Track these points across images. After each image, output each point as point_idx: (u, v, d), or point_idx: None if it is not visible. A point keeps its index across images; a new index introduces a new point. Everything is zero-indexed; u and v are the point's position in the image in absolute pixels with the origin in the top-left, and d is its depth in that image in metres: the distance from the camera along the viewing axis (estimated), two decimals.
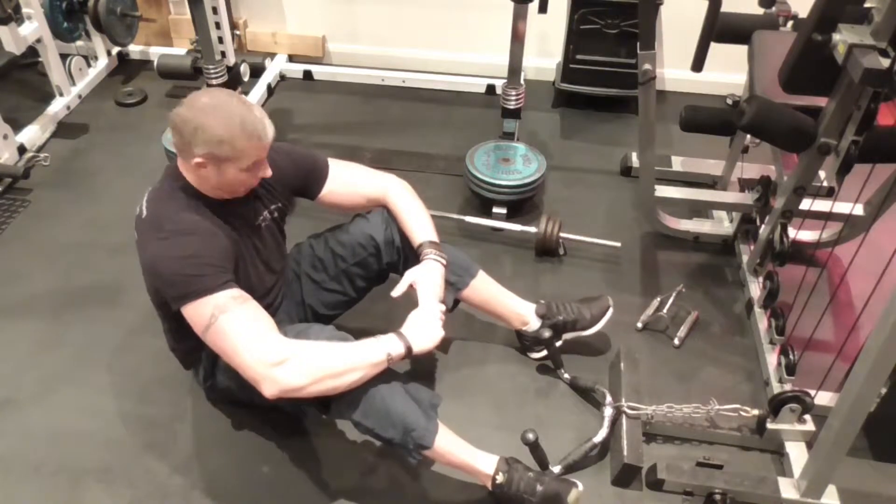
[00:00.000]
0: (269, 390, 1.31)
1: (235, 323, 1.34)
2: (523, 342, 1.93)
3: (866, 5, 1.53)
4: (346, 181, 1.72)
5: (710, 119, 1.97)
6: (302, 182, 1.69)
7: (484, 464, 1.54)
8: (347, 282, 1.77)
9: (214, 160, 1.39)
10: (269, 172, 1.48)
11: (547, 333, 1.82)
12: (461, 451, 1.53)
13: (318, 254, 1.77)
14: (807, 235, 2.06)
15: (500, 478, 1.52)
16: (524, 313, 1.87)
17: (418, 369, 1.90)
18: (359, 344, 1.43)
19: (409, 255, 1.71)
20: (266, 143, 1.42)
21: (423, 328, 1.49)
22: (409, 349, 1.44)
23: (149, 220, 1.45)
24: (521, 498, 1.52)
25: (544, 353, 1.90)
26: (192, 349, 1.62)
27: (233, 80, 2.65)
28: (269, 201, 1.64)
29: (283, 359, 1.31)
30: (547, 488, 1.51)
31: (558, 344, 1.87)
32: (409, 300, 1.57)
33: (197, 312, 1.36)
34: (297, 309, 1.78)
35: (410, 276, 1.60)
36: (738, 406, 1.70)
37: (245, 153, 1.40)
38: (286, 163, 1.64)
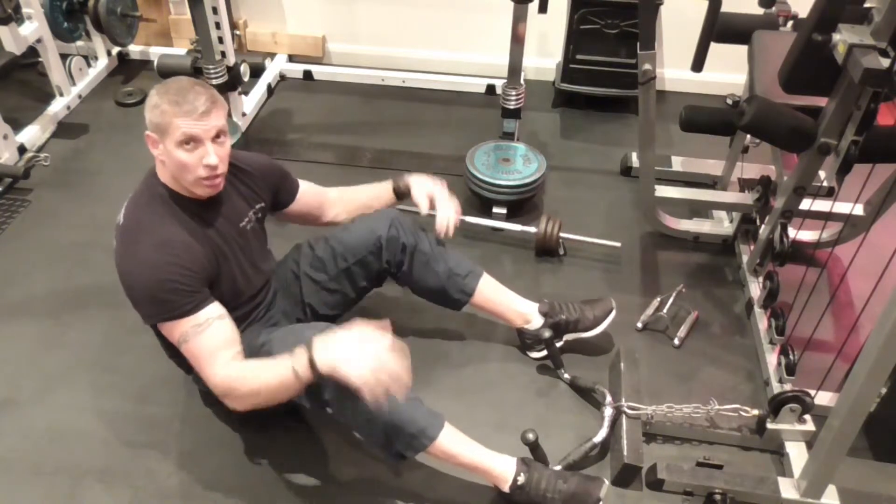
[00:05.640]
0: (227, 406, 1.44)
1: (195, 351, 1.42)
2: (524, 340, 1.93)
3: (866, 5, 1.53)
4: (314, 187, 1.82)
5: (710, 119, 1.97)
6: (277, 186, 1.71)
7: (501, 466, 1.53)
8: (348, 282, 1.77)
9: (156, 131, 1.40)
10: (213, 160, 1.40)
11: (547, 333, 1.82)
12: (474, 451, 1.52)
13: (318, 254, 1.77)
14: (807, 235, 2.06)
15: (521, 479, 1.51)
16: (527, 311, 1.88)
17: (419, 369, 1.90)
18: (273, 363, 1.36)
19: (414, 258, 1.74)
20: (193, 115, 1.37)
21: (336, 342, 1.31)
22: (310, 360, 1.29)
23: (125, 228, 1.46)
24: (543, 497, 1.51)
25: (544, 352, 1.90)
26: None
27: (233, 80, 2.66)
28: (253, 200, 1.64)
29: (226, 392, 1.40)
30: (571, 486, 1.51)
31: (559, 344, 1.87)
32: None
33: (166, 330, 1.45)
34: (295, 309, 1.78)
35: (419, 190, 1.77)
36: (738, 406, 1.70)
37: (172, 121, 1.37)
38: (265, 162, 1.69)
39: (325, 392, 1.43)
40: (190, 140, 1.39)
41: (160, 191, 1.47)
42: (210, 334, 1.41)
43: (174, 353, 1.64)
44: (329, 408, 1.49)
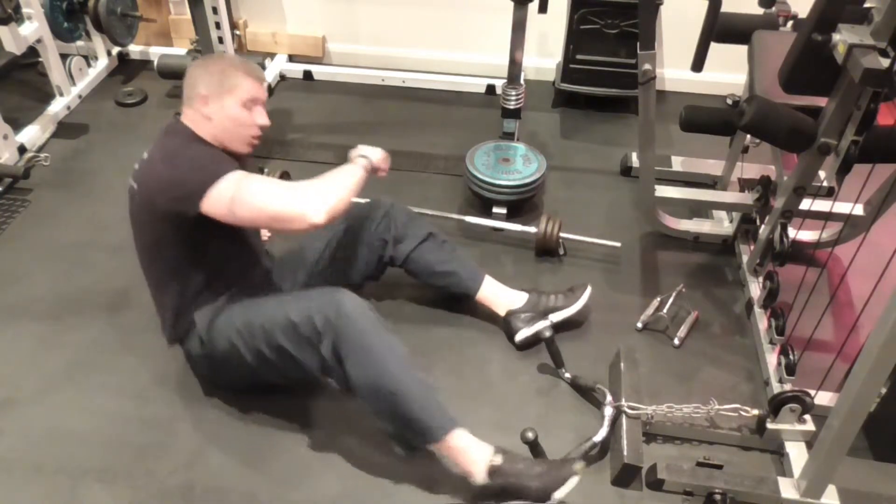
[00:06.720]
0: (313, 220, 1.44)
1: (258, 184, 1.48)
2: (511, 324, 1.94)
3: (866, 5, 1.53)
4: None
5: (710, 119, 1.97)
6: None
7: (478, 448, 1.52)
8: (346, 267, 1.89)
9: (215, 90, 1.54)
10: (267, 121, 1.62)
11: (548, 333, 1.83)
12: (457, 435, 1.52)
13: (319, 243, 1.89)
14: (807, 235, 2.06)
15: (498, 460, 1.50)
16: (514, 298, 1.95)
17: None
18: (343, 171, 1.58)
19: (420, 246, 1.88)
20: (261, 81, 1.61)
21: (370, 149, 1.71)
22: (369, 161, 1.67)
23: (156, 157, 1.54)
24: (519, 476, 1.49)
25: (532, 330, 1.90)
26: (183, 308, 1.66)
27: None
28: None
29: (309, 198, 1.46)
30: (545, 465, 1.52)
31: (551, 319, 1.91)
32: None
33: (220, 193, 1.45)
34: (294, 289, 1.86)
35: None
36: (738, 406, 1.70)
37: (241, 82, 1.56)
38: None
39: (355, 379, 1.50)
40: (252, 101, 1.58)
41: (190, 135, 1.57)
42: (261, 178, 1.52)
43: (168, 304, 1.68)
44: (358, 394, 1.53)
